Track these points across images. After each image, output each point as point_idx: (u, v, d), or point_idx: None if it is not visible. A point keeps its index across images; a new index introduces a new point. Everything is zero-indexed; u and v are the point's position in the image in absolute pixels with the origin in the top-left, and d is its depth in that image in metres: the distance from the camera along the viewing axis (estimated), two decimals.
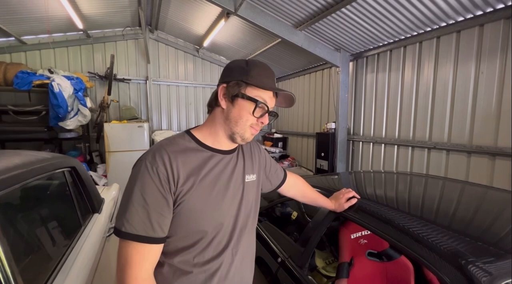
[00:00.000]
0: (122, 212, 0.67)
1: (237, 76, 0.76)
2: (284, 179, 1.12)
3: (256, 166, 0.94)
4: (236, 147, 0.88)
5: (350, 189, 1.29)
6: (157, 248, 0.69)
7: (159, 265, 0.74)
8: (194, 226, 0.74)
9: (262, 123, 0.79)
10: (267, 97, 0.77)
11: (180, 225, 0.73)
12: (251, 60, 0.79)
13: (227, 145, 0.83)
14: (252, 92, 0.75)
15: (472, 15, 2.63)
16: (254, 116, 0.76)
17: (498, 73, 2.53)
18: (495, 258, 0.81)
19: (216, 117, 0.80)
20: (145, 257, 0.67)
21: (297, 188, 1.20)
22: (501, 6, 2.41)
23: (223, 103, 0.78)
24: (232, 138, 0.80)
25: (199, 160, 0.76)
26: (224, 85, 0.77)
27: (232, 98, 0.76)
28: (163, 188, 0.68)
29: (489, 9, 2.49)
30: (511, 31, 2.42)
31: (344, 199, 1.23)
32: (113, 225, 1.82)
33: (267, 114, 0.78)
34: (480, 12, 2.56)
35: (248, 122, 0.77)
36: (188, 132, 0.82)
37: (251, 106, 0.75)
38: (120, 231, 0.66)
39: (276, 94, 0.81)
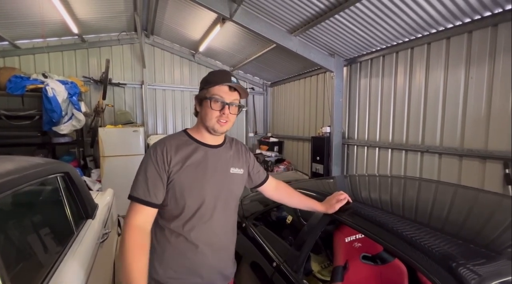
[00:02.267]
0: (134, 183, 0.95)
1: (201, 86, 1.03)
2: (265, 180, 1.27)
3: (243, 163, 1.14)
4: (222, 143, 1.10)
5: (343, 192, 1.31)
6: (151, 211, 0.94)
7: (161, 228, 1.00)
8: (181, 199, 0.97)
9: (224, 114, 0.98)
10: (222, 93, 0.97)
11: (172, 197, 0.97)
12: (211, 71, 1.05)
13: (212, 140, 1.06)
14: (209, 92, 0.98)
15: (460, 22, 2.71)
16: (214, 109, 0.97)
17: (486, 78, 2.60)
18: (486, 260, 0.83)
19: (198, 119, 1.07)
20: (141, 213, 0.92)
21: (281, 191, 1.32)
22: (488, 13, 2.49)
23: (198, 107, 1.05)
24: (209, 131, 1.02)
25: (189, 150, 1.01)
26: (196, 95, 1.06)
27: (200, 102, 1.03)
28: (159, 167, 0.95)
29: (477, 17, 2.57)
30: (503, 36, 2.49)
31: (335, 200, 1.27)
32: (107, 231, 1.79)
33: (226, 106, 0.98)
34: (468, 20, 2.64)
35: (212, 116, 0.98)
36: (184, 130, 1.09)
37: (208, 102, 0.97)
38: (130, 195, 0.94)
39: (235, 89, 1.00)
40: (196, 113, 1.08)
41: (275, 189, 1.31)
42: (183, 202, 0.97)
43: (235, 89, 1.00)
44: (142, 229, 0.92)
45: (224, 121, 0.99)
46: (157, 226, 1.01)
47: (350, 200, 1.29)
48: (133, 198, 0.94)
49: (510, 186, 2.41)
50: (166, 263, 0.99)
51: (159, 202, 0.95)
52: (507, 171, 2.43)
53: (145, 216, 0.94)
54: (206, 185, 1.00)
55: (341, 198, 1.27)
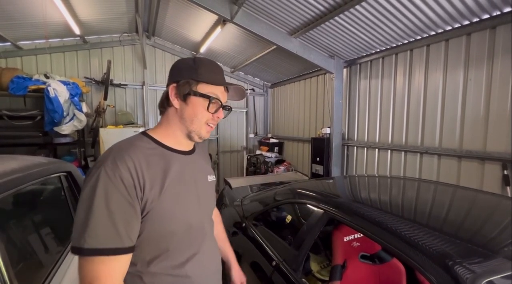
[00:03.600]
0: (82, 228, 0.61)
1: (187, 75, 0.77)
2: None
3: (211, 167, 0.99)
4: (194, 148, 0.90)
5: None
6: (126, 258, 0.67)
7: (135, 279, 0.71)
8: (166, 229, 0.73)
9: (218, 118, 0.81)
10: (218, 92, 0.79)
11: (151, 231, 0.70)
12: (198, 58, 0.80)
13: (187, 145, 0.85)
14: (203, 88, 0.77)
15: (459, 25, 2.73)
16: (209, 112, 0.78)
17: (485, 80, 2.61)
18: (481, 259, 0.84)
19: (171, 117, 0.80)
20: (116, 270, 0.64)
21: (215, 216, 1.08)
22: (486, 16, 2.51)
23: (175, 102, 0.78)
24: (189, 137, 0.81)
25: (163, 163, 0.75)
26: (175, 84, 0.78)
27: (185, 96, 0.77)
28: (129, 195, 0.65)
29: (475, 19, 2.60)
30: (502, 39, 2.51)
31: (239, 282, 1.12)
32: None
33: (221, 109, 0.81)
34: (467, 22, 2.66)
35: (203, 119, 0.78)
36: (144, 133, 0.80)
37: (205, 102, 0.77)
38: (82, 249, 0.60)
39: (227, 89, 0.83)
40: (163, 109, 0.82)
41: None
42: (167, 233, 0.73)
43: (227, 90, 0.84)
44: None
45: (213, 125, 0.82)
46: (127, 277, 0.70)
47: None
48: (94, 251, 0.60)
49: (508, 187, 2.42)
50: None
51: (134, 244, 0.67)
52: (505, 172, 2.44)
53: (122, 273, 0.66)
54: (190, 205, 0.79)
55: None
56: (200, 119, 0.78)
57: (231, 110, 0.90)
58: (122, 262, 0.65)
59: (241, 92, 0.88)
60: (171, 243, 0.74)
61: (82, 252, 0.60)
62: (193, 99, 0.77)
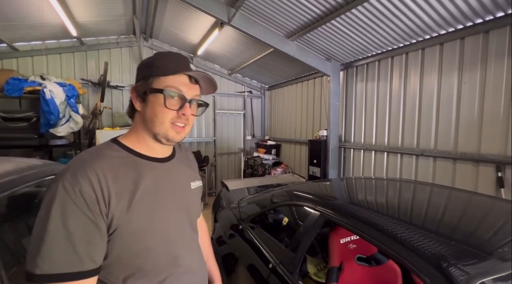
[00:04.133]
0: (36, 250, 0.53)
1: (144, 72, 0.70)
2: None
3: (197, 172, 0.91)
4: (173, 153, 0.81)
5: None
6: (90, 282, 0.58)
7: None
8: (141, 245, 0.65)
9: (184, 115, 0.68)
10: (180, 85, 0.68)
11: (122, 247, 0.63)
12: (158, 53, 0.72)
13: (161, 152, 0.75)
14: (160, 83, 0.67)
15: (453, 29, 2.78)
16: (169, 108, 0.66)
17: (479, 83, 2.65)
18: (475, 260, 0.85)
19: (137, 122, 0.73)
20: None
21: (201, 227, 0.99)
22: (479, 21, 2.56)
23: (137, 105, 0.70)
24: (158, 141, 0.71)
25: (135, 172, 0.66)
26: (133, 85, 0.71)
27: (143, 96, 0.68)
28: (91, 211, 0.57)
29: (469, 24, 2.64)
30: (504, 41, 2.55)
31: None
32: None
33: (187, 104, 0.69)
34: (461, 26, 2.71)
35: (165, 118, 0.67)
36: (114, 140, 0.71)
37: (161, 98, 0.66)
38: (33, 275, 0.52)
39: (196, 81, 0.72)
40: (132, 114, 0.74)
41: (200, 222, 1.00)
42: (142, 249, 0.66)
43: (196, 81, 0.72)
44: None
45: (182, 125, 0.70)
46: None
47: None
48: (49, 277, 0.53)
49: (502, 189, 2.45)
50: None
51: (99, 264, 0.60)
52: (499, 174, 2.47)
53: None
54: (167, 217, 0.71)
55: None
56: (160, 118, 0.67)
57: (207, 105, 0.79)
58: None
59: (210, 82, 0.74)
60: (146, 261, 0.66)
61: (33, 278, 0.52)
62: (151, 97, 0.67)
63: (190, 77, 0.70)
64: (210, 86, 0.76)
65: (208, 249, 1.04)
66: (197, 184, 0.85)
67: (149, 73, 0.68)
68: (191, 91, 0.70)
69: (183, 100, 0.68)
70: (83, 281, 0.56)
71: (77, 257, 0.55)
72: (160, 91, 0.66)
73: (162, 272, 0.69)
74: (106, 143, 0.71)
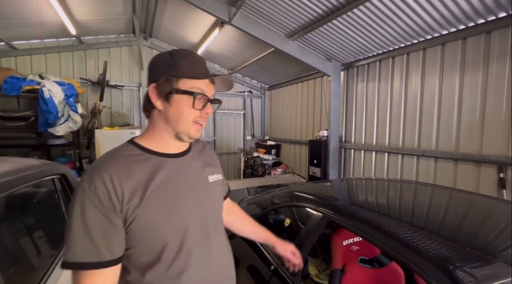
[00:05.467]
0: (66, 242, 0.62)
1: (165, 72, 0.71)
2: (227, 195, 1.03)
3: (218, 167, 0.92)
4: (189, 148, 0.83)
5: (295, 251, 1.16)
6: (111, 271, 0.64)
7: None
8: (156, 238, 0.69)
9: (207, 114, 0.75)
10: (203, 86, 0.73)
11: (140, 240, 0.68)
12: (175, 51, 0.74)
13: (176, 148, 0.78)
14: (185, 84, 0.71)
15: (455, 29, 2.77)
16: (196, 109, 0.72)
17: (480, 84, 2.64)
18: (482, 263, 0.84)
19: (156, 120, 0.75)
20: (101, 282, 0.63)
21: (233, 214, 1.07)
22: (482, 21, 2.55)
23: (158, 104, 0.72)
24: (178, 138, 0.75)
25: (148, 170, 0.70)
26: (154, 84, 0.72)
27: (167, 96, 0.71)
28: (105, 208, 0.63)
29: (471, 24, 2.63)
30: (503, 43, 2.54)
31: (291, 251, 1.13)
32: None
33: (209, 104, 0.75)
34: (462, 27, 2.70)
35: (190, 118, 0.72)
36: (131, 141, 0.76)
37: (189, 99, 0.70)
38: (65, 262, 0.61)
39: (212, 80, 0.77)
40: (149, 112, 0.76)
41: (227, 211, 1.03)
42: (157, 243, 0.70)
43: (212, 81, 0.77)
44: None
45: (203, 123, 0.76)
46: None
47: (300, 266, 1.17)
48: (73, 265, 0.61)
49: (504, 190, 2.44)
50: None
51: (119, 255, 0.65)
52: (501, 175, 2.47)
53: (108, 282, 0.65)
54: (184, 209, 0.74)
55: (296, 255, 1.13)
56: (186, 118, 0.72)
57: (221, 103, 0.84)
58: (106, 275, 0.64)
59: (228, 82, 0.80)
60: (162, 254, 0.70)
61: (65, 265, 0.62)
62: (176, 98, 0.70)
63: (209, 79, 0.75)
64: (224, 84, 0.80)
65: (249, 219, 1.12)
66: (216, 177, 0.86)
67: (173, 73, 0.70)
68: (211, 91, 0.76)
69: (206, 100, 0.74)
70: (102, 270, 0.63)
71: (95, 248, 0.62)
72: (189, 93, 0.70)
73: (178, 265, 0.72)
74: (123, 144, 0.75)
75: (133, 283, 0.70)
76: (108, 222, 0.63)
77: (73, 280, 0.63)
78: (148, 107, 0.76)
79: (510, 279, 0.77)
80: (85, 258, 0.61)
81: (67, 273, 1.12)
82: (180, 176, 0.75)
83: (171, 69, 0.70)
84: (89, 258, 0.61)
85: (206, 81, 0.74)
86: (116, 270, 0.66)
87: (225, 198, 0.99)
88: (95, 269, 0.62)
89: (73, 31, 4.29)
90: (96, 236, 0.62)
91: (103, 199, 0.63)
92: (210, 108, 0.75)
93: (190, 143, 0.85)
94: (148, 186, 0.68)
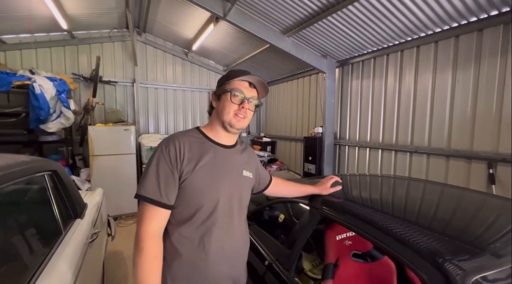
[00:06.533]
0: (142, 180, 0.88)
1: (220, 81, 1.03)
2: (270, 182, 1.27)
3: (253, 167, 1.12)
4: (235, 144, 1.07)
5: (333, 176, 1.44)
6: (164, 212, 0.88)
7: (168, 234, 0.92)
8: (195, 200, 0.92)
9: (243, 108, 0.96)
10: (242, 88, 0.97)
11: (184, 198, 0.91)
12: (231, 69, 1.01)
13: (226, 140, 1.03)
14: (228, 86, 0.97)
15: (448, 27, 2.79)
16: (233, 103, 0.95)
17: (472, 81, 2.68)
18: (470, 256, 0.86)
19: (213, 115, 1.03)
20: (154, 216, 0.86)
21: (279, 186, 1.34)
22: (474, 19, 2.58)
23: (214, 103, 1.02)
24: (224, 128, 0.99)
25: (202, 149, 0.96)
26: (213, 91, 1.04)
27: (218, 96, 1.00)
28: (171, 165, 0.88)
29: (464, 22, 2.66)
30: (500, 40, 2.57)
31: (328, 184, 1.37)
32: (96, 230, 1.75)
33: (246, 101, 0.96)
34: (455, 24, 2.72)
35: (231, 110, 0.96)
36: (197, 128, 1.05)
37: (229, 95, 0.96)
38: (137, 194, 0.87)
39: (255, 87, 1.00)
40: (211, 111, 1.06)
41: (274, 186, 1.31)
42: (195, 204, 0.92)
43: (254, 87, 1.01)
44: (158, 236, 0.87)
45: (242, 116, 0.96)
46: (164, 232, 0.92)
47: (340, 181, 1.41)
48: (143, 197, 0.86)
49: (493, 185, 2.50)
50: (176, 275, 0.92)
51: (171, 203, 0.89)
52: (491, 171, 2.52)
53: (160, 220, 0.88)
54: (220, 186, 0.95)
55: (332, 181, 1.38)
56: (228, 110, 0.96)
57: (262, 104, 1.08)
58: (160, 214, 0.87)
59: (263, 86, 1.01)
60: (196, 213, 0.92)
61: (136, 196, 0.87)
62: (222, 96, 0.98)
63: (250, 83, 0.99)
64: (264, 89, 1.03)
65: (294, 185, 1.36)
66: (248, 174, 1.07)
67: (223, 81, 0.99)
68: (250, 92, 0.99)
69: (244, 98, 0.96)
70: (159, 208, 0.86)
71: (159, 191, 0.87)
72: (228, 91, 0.96)
73: (205, 227, 0.93)
74: (192, 128, 1.05)
75: (171, 232, 0.92)
76: (171, 175, 0.88)
77: (140, 208, 0.88)
78: (210, 109, 1.07)
79: (497, 270, 0.79)
80: (151, 195, 0.86)
81: (60, 269, 1.11)
82: (222, 162, 0.98)
83: (224, 79, 1.00)
84: (153, 196, 0.86)
85: (246, 84, 0.98)
86: (167, 214, 0.89)
87: (266, 188, 1.26)
88: (155, 205, 0.85)
89: (64, 25, 4.19)
90: (162, 182, 0.87)
91: (172, 158, 0.89)
92: (246, 104, 0.96)
93: (236, 142, 1.09)
94: (200, 160, 0.92)
